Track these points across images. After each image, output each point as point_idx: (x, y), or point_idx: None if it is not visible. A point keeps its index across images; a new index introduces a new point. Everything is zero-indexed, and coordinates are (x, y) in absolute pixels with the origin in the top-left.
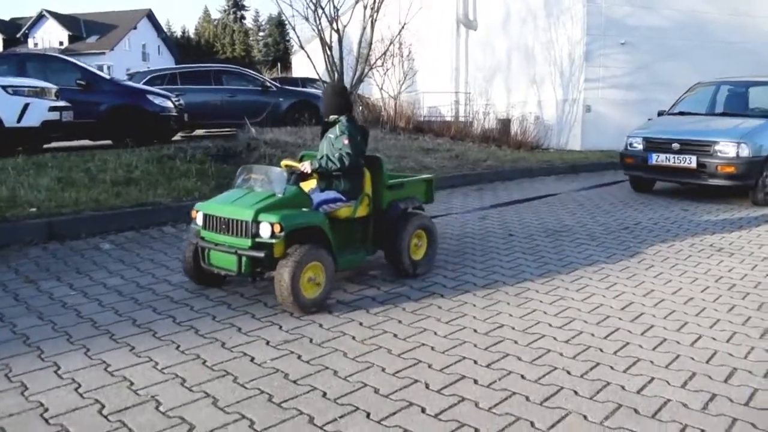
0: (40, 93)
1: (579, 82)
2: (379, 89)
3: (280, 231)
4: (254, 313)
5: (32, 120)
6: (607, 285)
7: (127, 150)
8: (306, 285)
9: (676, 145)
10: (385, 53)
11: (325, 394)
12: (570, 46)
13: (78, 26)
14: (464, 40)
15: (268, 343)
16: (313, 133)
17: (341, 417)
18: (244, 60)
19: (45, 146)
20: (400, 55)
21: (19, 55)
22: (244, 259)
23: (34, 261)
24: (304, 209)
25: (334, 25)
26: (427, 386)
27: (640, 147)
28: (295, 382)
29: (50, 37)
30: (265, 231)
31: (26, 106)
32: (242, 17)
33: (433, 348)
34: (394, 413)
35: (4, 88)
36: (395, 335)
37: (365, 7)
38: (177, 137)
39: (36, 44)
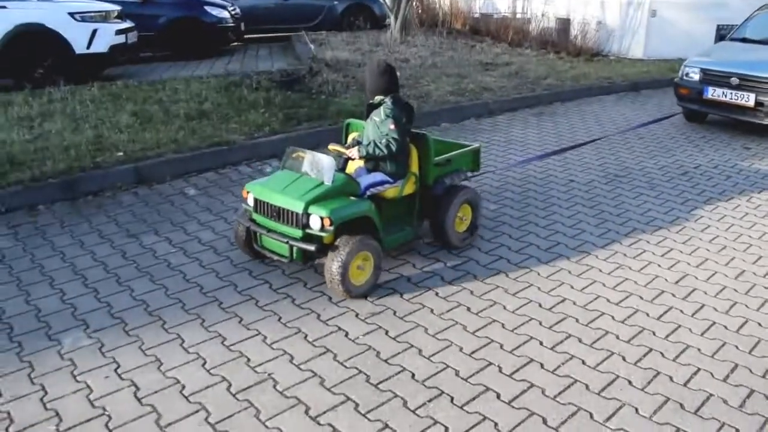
0: (105, 17)
1: None
2: None
3: (330, 225)
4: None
5: (101, 46)
6: (663, 251)
7: (195, 78)
8: (354, 273)
9: (734, 80)
10: None
11: (413, 375)
12: None
13: None
14: None
15: (357, 315)
16: (369, 43)
17: (429, 401)
18: None
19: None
20: None
21: None
22: (295, 248)
23: (129, 210)
24: (352, 197)
25: None
26: (500, 370)
27: (697, 78)
28: (386, 361)
29: None
30: (315, 223)
31: (95, 32)
32: None
33: (503, 325)
34: (474, 398)
35: (72, 14)
36: (468, 309)
37: None
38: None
39: None
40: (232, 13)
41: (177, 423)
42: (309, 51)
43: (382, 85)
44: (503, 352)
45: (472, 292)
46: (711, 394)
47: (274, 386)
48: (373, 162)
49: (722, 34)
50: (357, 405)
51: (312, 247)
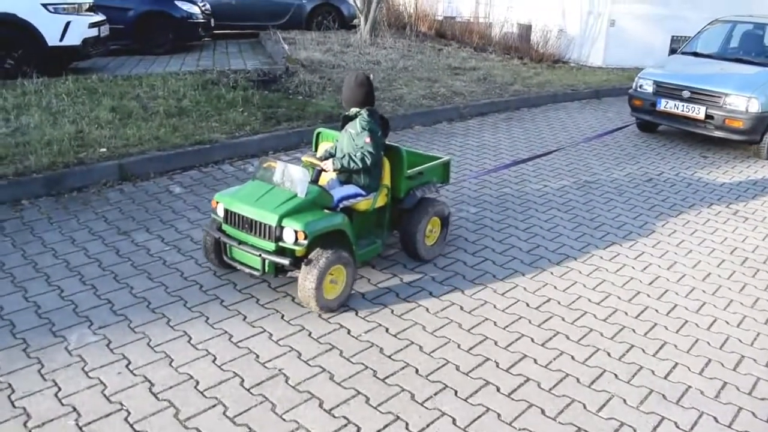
0: (77, 9)
1: None
2: None
3: (305, 238)
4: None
5: (74, 38)
6: (635, 254)
7: (171, 74)
8: (328, 287)
9: (686, 93)
10: None
11: (417, 370)
12: None
13: None
14: None
15: (357, 313)
16: (339, 44)
17: (436, 394)
18: None
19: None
20: None
21: None
22: (268, 261)
23: (116, 207)
24: (325, 210)
25: None
26: (497, 365)
27: (650, 90)
28: (390, 357)
29: None
30: (288, 237)
31: (68, 24)
32: None
33: (495, 323)
34: (477, 391)
35: (45, 6)
36: (461, 308)
37: None
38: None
39: None
40: (202, 8)
41: (196, 417)
42: (282, 50)
43: (359, 98)
44: (498, 349)
45: (463, 292)
46: (689, 386)
47: (286, 381)
48: (346, 174)
49: (674, 47)
50: (368, 399)
51: (285, 261)
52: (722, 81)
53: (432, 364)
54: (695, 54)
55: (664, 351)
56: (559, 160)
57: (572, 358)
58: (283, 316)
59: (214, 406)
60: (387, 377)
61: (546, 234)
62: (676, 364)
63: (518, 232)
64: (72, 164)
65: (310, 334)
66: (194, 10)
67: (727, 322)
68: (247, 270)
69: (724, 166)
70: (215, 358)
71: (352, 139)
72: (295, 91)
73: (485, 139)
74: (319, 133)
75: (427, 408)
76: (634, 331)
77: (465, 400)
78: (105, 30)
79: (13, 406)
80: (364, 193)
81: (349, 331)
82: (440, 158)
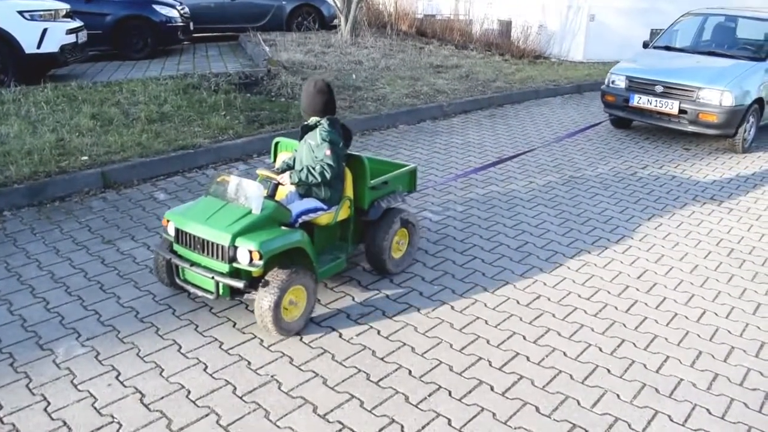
0: (54, 15)
1: None
2: None
3: (260, 259)
4: (327, 282)
5: (51, 45)
6: (623, 248)
7: (151, 79)
8: (287, 308)
9: (659, 88)
10: None
11: (410, 372)
12: None
13: None
14: None
15: (348, 316)
16: (321, 45)
17: (430, 395)
18: None
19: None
20: None
21: None
22: (222, 283)
23: (100, 216)
24: (283, 226)
25: None
26: (490, 364)
27: (622, 85)
28: (382, 359)
29: None
30: (243, 257)
31: (45, 31)
32: None
33: (486, 322)
34: (470, 391)
35: (21, 13)
36: (452, 307)
37: None
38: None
39: None
40: (181, 12)
41: (188, 427)
42: (263, 52)
43: (319, 106)
44: (491, 347)
45: (453, 291)
46: (681, 379)
47: (279, 387)
48: (305, 187)
49: (646, 42)
50: (362, 402)
51: (239, 284)
52: (695, 74)
53: (425, 365)
54: (667, 48)
55: (655, 344)
56: (543, 156)
57: (564, 354)
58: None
59: (207, 415)
60: (380, 380)
61: (534, 230)
62: (668, 357)
63: (506, 229)
64: (53, 173)
65: (301, 339)
66: (173, 13)
67: (716, 314)
68: (201, 293)
69: (707, 158)
70: (206, 367)
71: (311, 151)
72: (277, 93)
73: (470, 137)
74: (277, 143)
75: (422, 410)
76: (624, 325)
77: (459, 401)
78: (83, 36)
79: (2, 422)
80: (324, 207)
81: (340, 335)
82: (406, 166)
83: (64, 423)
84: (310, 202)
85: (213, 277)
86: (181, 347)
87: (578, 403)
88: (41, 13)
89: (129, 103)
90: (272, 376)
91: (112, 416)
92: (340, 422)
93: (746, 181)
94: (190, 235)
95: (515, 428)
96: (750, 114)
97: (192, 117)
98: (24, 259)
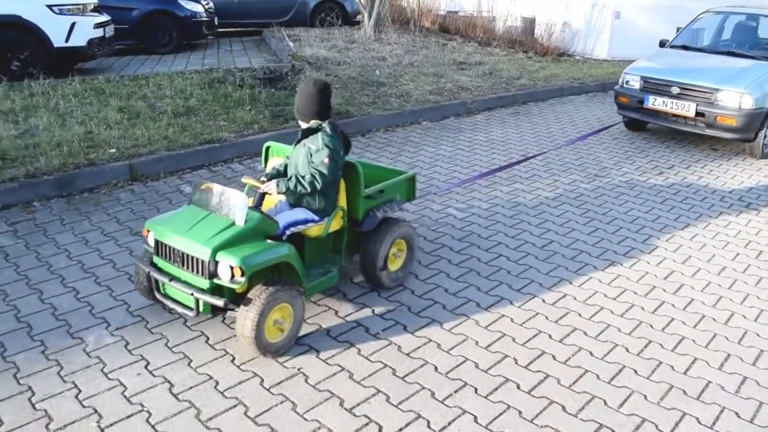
0: (83, 9)
1: None
2: None
3: (242, 275)
4: (351, 277)
5: (79, 39)
6: (649, 249)
7: (177, 73)
8: (271, 328)
9: (675, 89)
10: None
11: (436, 368)
12: None
13: None
14: None
15: (373, 311)
16: (344, 40)
17: (456, 392)
18: None
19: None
20: None
21: None
22: (202, 300)
23: (128, 208)
24: (268, 240)
25: None
26: (516, 362)
27: (637, 86)
28: (408, 355)
29: None
30: (224, 273)
31: (73, 25)
32: None
33: (512, 320)
34: (496, 389)
35: (50, 7)
36: (478, 305)
37: None
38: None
39: None
40: (206, 7)
41: (217, 417)
42: (287, 48)
43: (319, 107)
44: (516, 345)
45: (478, 289)
46: (709, 381)
47: (306, 380)
48: (296, 196)
49: (663, 40)
50: (388, 397)
51: (219, 302)
52: (713, 75)
53: (451, 361)
54: (685, 47)
55: (683, 346)
56: (568, 155)
57: (591, 354)
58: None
59: (234, 406)
60: (406, 375)
61: (559, 229)
62: (695, 359)
63: (531, 227)
64: (82, 165)
65: (328, 333)
66: (198, 8)
67: (744, 316)
68: (180, 309)
69: (735, 158)
70: (234, 358)
71: (309, 155)
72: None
73: (493, 134)
74: (268, 147)
75: (448, 406)
76: (651, 326)
77: (485, 398)
78: (110, 30)
79: (35, 408)
80: (316, 218)
81: (367, 329)
82: (404, 173)
83: (95, 410)
84: (300, 213)
85: (192, 293)
86: (208, 338)
87: (605, 403)
88: (70, 7)
89: (155, 96)
90: (299, 369)
91: (142, 405)
92: (366, 416)
93: None
94: (169, 247)
95: (541, 427)
96: None
97: (217, 111)
98: (54, 249)
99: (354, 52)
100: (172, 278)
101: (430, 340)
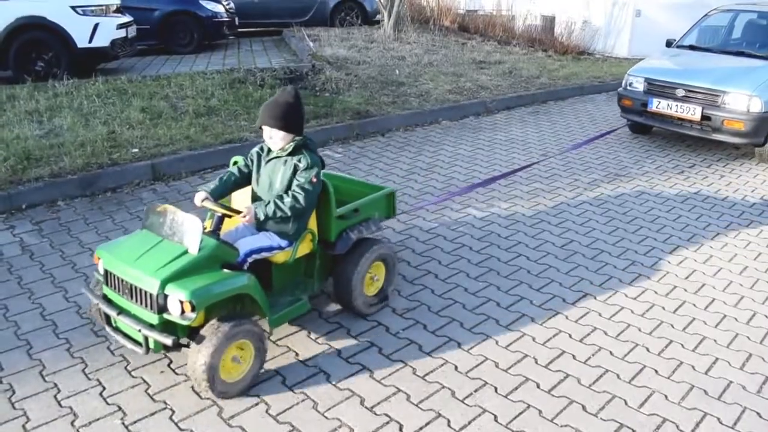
0: (106, 11)
1: None
2: None
3: (192, 310)
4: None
5: (102, 40)
6: (670, 248)
7: (198, 73)
8: (228, 366)
9: (680, 91)
10: None
11: (456, 367)
12: None
13: None
14: None
15: (394, 311)
16: (363, 40)
17: (476, 391)
18: None
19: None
20: None
21: None
22: (151, 338)
23: None
24: (225, 269)
25: None
26: (536, 361)
27: (641, 88)
28: (429, 354)
29: None
30: (174, 308)
31: (96, 26)
32: None
33: (532, 319)
34: (516, 388)
35: (74, 8)
36: (498, 304)
37: None
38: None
39: None
40: (227, 7)
41: (239, 415)
42: (307, 47)
43: (298, 120)
44: (536, 345)
45: (498, 288)
46: (731, 381)
47: (327, 379)
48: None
49: (669, 40)
50: (408, 396)
51: (168, 341)
52: (721, 77)
53: (471, 361)
54: (692, 47)
55: (704, 346)
56: (588, 154)
57: (611, 353)
58: (320, 314)
59: (256, 404)
60: (426, 374)
61: (579, 229)
62: (717, 359)
63: (551, 227)
64: (105, 165)
65: (348, 332)
66: (219, 9)
67: (766, 316)
68: (130, 345)
69: (748, 162)
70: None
71: (288, 176)
72: (321, 88)
73: (513, 134)
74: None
75: (468, 405)
76: (672, 326)
77: (506, 397)
78: (132, 31)
79: (60, 405)
80: (283, 243)
81: (387, 329)
82: (383, 189)
83: (119, 407)
84: (263, 240)
85: (140, 330)
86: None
87: (625, 403)
88: (93, 8)
89: (177, 96)
90: (320, 369)
91: (165, 402)
92: (387, 415)
93: None
94: (117, 277)
95: (561, 426)
96: None
97: (238, 111)
98: (78, 248)
99: (374, 52)
100: (121, 311)
101: (450, 339)
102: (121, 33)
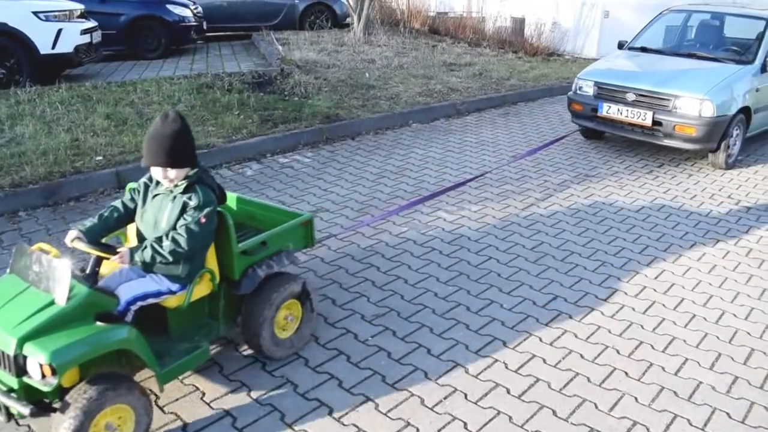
0: (69, 16)
1: None
2: None
3: (53, 374)
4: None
5: (66, 46)
6: (640, 248)
7: (165, 79)
8: None
9: (631, 96)
10: None
11: (426, 374)
12: None
13: None
14: None
15: (362, 317)
16: (333, 43)
17: (446, 398)
18: None
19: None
20: None
21: None
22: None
23: None
24: (99, 322)
25: None
26: (506, 366)
27: (590, 93)
28: (398, 361)
29: None
30: (34, 371)
31: (59, 31)
32: None
33: (502, 323)
34: (486, 394)
35: (36, 14)
36: (468, 308)
37: None
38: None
39: None
40: (195, 11)
41: (254, 424)
42: (276, 51)
43: (189, 149)
44: (506, 349)
45: (468, 292)
46: (700, 382)
47: (294, 390)
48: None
49: (621, 42)
50: (377, 405)
51: (25, 410)
52: (671, 81)
53: (441, 367)
54: (644, 49)
55: (673, 347)
56: (558, 154)
57: (581, 356)
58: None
59: (221, 418)
60: (396, 382)
61: (549, 230)
62: (686, 359)
63: (521, 229)
64: (68, 173)
65: (316, 340)
66: (186, 13)
67: (735, 315)
68: None
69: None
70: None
71: (176, 213)
72: (290, 92)
73: (483, 136)
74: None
75: (437, 413)
76: (642, 327)
77: (476, 404)
78: (97, 36)
79: None
80: (173, 288)
81: (355, 336)
82: (298, 215)
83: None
84: (150, 284)
85: None
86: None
87: (596, 407)
88: (56, 13)
89: (143, 103)
90: (287, 379)
91: (176, 414)
92: (355, 425)
93: (764, 179)
94: None
95: None
96: (734, 126)
97: (206, 116)
98: None
99: (343, 55)
100: None
101: (420, 346)
102: (86, 38)
